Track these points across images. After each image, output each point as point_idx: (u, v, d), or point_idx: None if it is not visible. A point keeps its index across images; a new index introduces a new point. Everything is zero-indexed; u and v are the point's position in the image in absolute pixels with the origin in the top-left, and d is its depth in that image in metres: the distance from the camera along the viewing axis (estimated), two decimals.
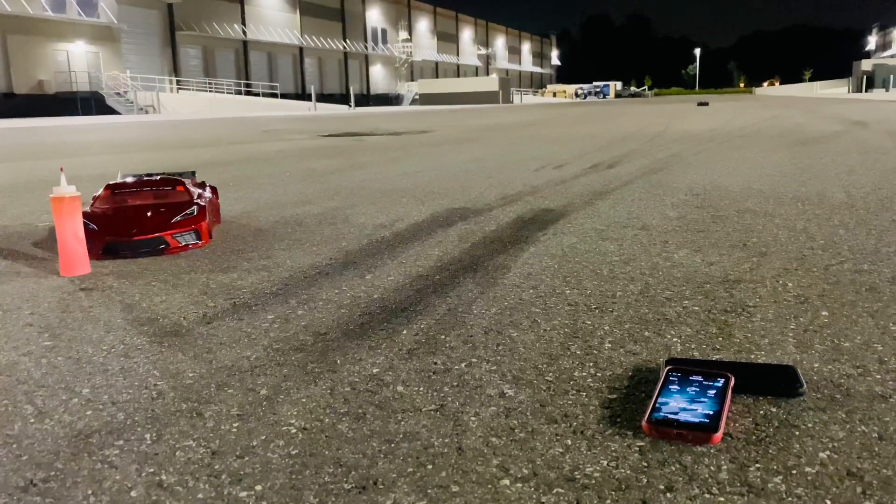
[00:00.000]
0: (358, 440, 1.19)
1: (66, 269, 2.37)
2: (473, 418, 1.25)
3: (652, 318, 1.77)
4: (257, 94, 41.36)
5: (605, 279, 2.15)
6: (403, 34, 62.43)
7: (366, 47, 56.91)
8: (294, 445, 1.18)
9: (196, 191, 3.05)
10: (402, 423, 1.24)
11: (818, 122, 11.32)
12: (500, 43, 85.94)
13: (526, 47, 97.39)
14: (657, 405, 1.21)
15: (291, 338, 1.70)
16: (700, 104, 23.45)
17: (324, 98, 46.58)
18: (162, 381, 1.46)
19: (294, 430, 1.23)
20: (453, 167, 5.76)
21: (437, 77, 66.40)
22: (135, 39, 36.68)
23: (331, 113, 29.84)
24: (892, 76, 47.56)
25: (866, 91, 49.36)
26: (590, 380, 1.41)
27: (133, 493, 1.05)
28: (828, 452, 1.11)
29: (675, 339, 1.62)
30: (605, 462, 1.10)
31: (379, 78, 59.64)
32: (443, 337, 1.67)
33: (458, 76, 70.02)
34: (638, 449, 1.13)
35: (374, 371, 1.48)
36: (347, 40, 54.44)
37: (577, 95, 76.06)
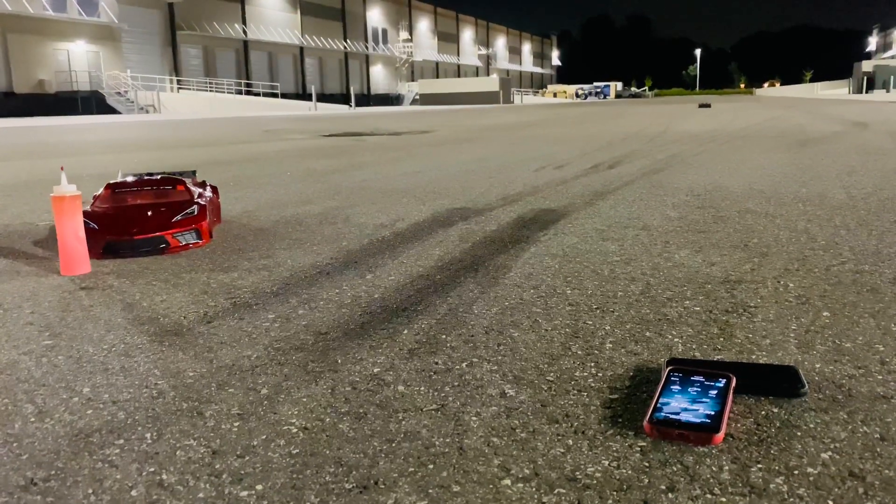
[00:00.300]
0: (359, 440, 1.19)
1: (67, 268, 2.37)
2: (474, 418, 1.25)
3: (653, 319, 1.77)
4: (258, 94, 41.38)
5: (606, 279, 2.15)
6: (404, 34, 62.43)
7: (366, 47, 56.91)
8: (295, 445, 1.17)
9: (196, 190, 3.05)
10: (403, 422, 1.24)
11: (819, 123, 11.32)
12: (500, 43, 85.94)
13: (526, 48, 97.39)
14: (658, 405, 1.21)
15: (292, 337, 1.70)
16: (701, 105, 22.88)
17: (324, 98, 46.62)
18: (162, 380, 1.46)
19: (295, 430, 1.23)
20: (454, 167, 5.75)
21: (437, 77, 66.40)
22: (135, 39, 36.68)
23: (331, 113, 29.85)
24: (892, 77, 47.53)
25: (867, 92, 49.34)
26: (591, 380, 1.41)
27: (133, 493, 1.05)
28: (830, 453, 1.10)
29: (676, 340, 1.62)
30: (607, 462, 1.10)
31: (379, 78, 59.65)
32: (444, 337, 1.67)
33: (459, 76, 70.03)
34: (639, 449, 1.13)
35: (375, 370, 1.48)
36: (348, 40, 54.45)
37: (577, 96, 76.11)
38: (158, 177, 3.10)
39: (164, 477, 1.09)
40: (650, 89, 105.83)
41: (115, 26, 34.97)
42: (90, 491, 1.05)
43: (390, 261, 2.47)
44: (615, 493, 1.01)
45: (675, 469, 1.07)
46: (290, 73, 48.80)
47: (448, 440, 1.18)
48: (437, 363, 1.51)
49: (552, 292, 2.02)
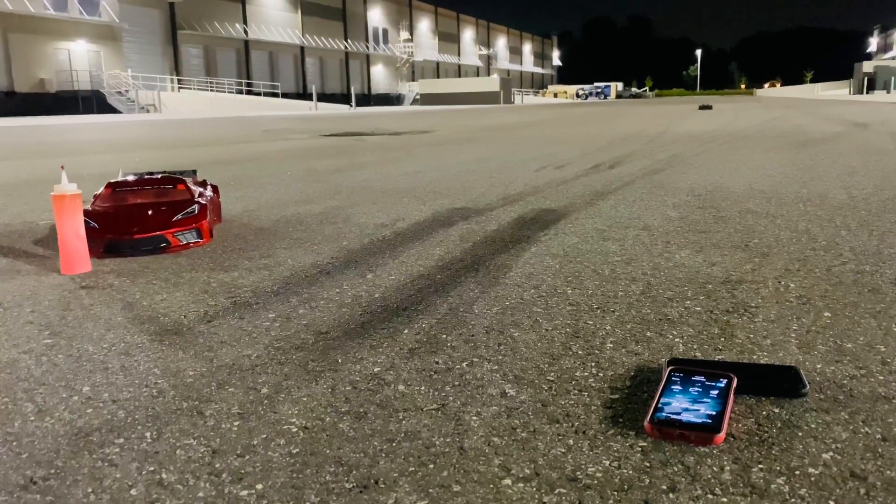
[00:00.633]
0: (359, 439, 1.18)
1: (67, 267, 2.37)
2: (475, 418, 1.25)
3: (654, 319, 1.77)
4: (258, 94, 41.37)
5: (606, 279, 2.15)
6: (405, 34, 62.42)
7: (367, 47, 56.91)
8: (295, 444, 1.17)
9: (197, 189, 3.05)
10: (404, 422, 1.24)
11: (819, 124, 11.32)
12: (501, 43, 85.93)
13: (527, 48, 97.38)
14: (659, 405, 1.21)
15: (292, 336, 1.70)
16: (702, 107, 22.29)
17: (325, 98, 46.60)
18: (162, 379, 1.46)
19: (295, 429, 1.22)
20: (454, 167, 5.75)
21: (438, 77, 66.39)
22: (136, 38, 36.67)
23: (332, 113, 29.84)
24: (893, 78, 47.53)
25: (868, 93, 49.35)
26: (591, 380, 1.40)
27: (133, 492, 1.04)
28: (831, 453, 1.10)
29: (677, 340, 1.62)
30: (608, 462, 1.09)
31: (380, 78, 59.65)
32: (444, 336, 1.67)
33: (460, 76, 70.03)
34: (640, 449, 1.13)
35: (376, 370, 1.48)
36: (349, 40, 54.45)
37: (577, 96, 76.12)
38: (159, 176, 3.10)
39: (164, 476, 1.09)
40: (651, 90, 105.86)
41: (115, 26, 34.98)
42: (90, 490, 1.05)
43: (391, 260, 2.47)
44: (616, 493, 1.01)
45: (676, 469, 1.07)
46: (291, 73, 48.80)
47: (448, 440, 1.17)
48: (437, 363, 1.51)
49: (553, 292, 2.02)
